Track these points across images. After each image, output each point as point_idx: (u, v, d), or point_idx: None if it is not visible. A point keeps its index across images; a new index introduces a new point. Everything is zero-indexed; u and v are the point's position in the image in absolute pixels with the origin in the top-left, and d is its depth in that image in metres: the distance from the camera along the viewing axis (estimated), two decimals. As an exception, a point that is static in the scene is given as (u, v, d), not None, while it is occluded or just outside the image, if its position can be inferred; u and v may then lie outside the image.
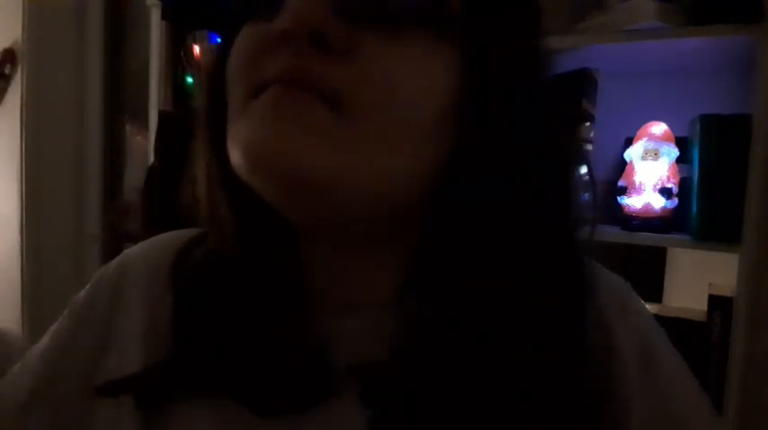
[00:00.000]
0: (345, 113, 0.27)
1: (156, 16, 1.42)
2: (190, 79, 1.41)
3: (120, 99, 1.72)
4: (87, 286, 0.42)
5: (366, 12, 0.28)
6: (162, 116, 1.40)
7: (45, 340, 0.41)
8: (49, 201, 1.64)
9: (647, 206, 1.02)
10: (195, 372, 0.34)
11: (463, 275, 0.31)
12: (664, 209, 1.01)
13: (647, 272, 1.42)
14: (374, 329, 0.34)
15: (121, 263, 0.42)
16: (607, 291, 0.38)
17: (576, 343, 0.32)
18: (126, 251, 0.43)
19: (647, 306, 0.41)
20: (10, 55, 1.61)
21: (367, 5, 0.28)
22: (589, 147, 1.07)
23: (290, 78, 0.27)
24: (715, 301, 0.98)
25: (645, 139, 1.03)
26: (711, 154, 0.94)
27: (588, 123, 1.05)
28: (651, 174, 1.02)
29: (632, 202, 1.03)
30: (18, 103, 1.59)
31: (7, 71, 1.62)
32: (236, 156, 0.29)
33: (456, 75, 0.29)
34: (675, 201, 1.01)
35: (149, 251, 0.42)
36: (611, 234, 1.04)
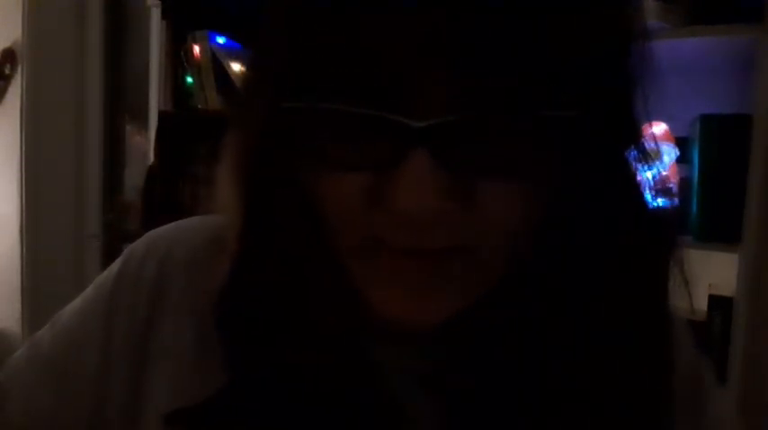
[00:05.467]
0: (475, 257, 0.28)
1: (156, 16, 1.43)
2: (190, 79, 1.41)
3: (120, 99, 1.72)
4: (118, 265, 0.39)
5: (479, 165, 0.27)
6: (162, 116, 1.40)
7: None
8: (49, 201, 1.63)
9: (647, 206, 1.02)
10: (251, 407, 0.33)
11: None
12: (664, 209, 1.01)
13: (647, 272, 1.42)
14: (417, 354, 0.34)
15: (160, 254, 0.39)
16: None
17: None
18: (155, 236, 0.41)
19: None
20: (10, 55, 1.61)
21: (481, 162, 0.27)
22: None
23: (432, 252, 0.28)
24: (715, 301, 0.98)
25: (645, 139, 1.03)
26: (711, 154, 0.94)
27: (588, 123, 1.05)
28: (651, 174, 1.02)
29: (632, 202, 1.03)
30: (18, 103, 1.58)
31: (7, 71, 1.62)
32: (383, 310, 0.30)
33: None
34: (675, 201, 1.01)
35: (186, 243, 0.39)
36: (611, 234, 1.04)
